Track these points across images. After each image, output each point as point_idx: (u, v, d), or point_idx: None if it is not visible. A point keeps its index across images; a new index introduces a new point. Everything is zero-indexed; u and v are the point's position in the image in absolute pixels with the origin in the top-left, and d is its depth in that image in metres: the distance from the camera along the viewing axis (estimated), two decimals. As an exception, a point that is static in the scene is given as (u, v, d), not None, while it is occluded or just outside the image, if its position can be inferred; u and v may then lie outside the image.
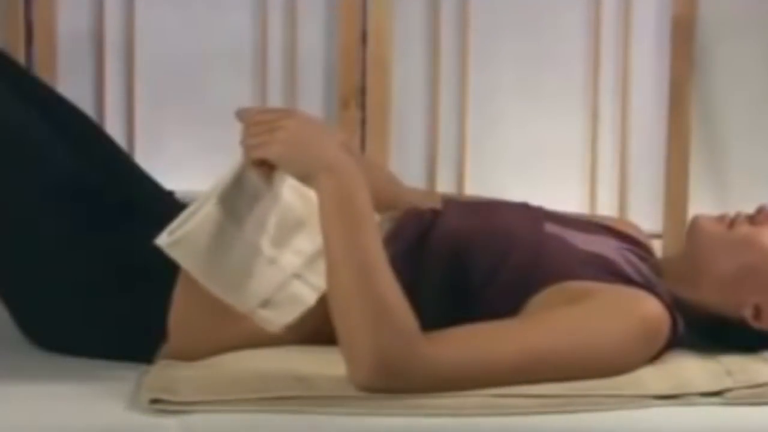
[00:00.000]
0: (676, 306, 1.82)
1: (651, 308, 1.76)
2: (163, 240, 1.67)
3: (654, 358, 1.78)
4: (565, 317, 1.72)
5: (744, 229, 1.87)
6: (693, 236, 1.91)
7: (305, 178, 1.67)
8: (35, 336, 1.90)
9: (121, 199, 1.91)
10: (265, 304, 1.72)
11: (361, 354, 1.62)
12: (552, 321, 1.72)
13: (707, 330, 1.89)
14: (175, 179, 2.24)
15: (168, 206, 1.96)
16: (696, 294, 1.88)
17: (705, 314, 1.87)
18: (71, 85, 2.51)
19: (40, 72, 2.51)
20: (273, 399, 1.64)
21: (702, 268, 1.88)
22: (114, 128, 2.54)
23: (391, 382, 1.63)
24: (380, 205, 1.80)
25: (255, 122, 1.67)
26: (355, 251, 1.64)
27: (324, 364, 1.71)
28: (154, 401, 1.63)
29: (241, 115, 1.69)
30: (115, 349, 1.84)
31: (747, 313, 1.86)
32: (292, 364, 1.74)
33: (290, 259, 1.74)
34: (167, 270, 1.77)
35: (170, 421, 1.62)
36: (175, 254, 1.69)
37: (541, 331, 1.70)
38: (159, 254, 1.68)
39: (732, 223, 1.88)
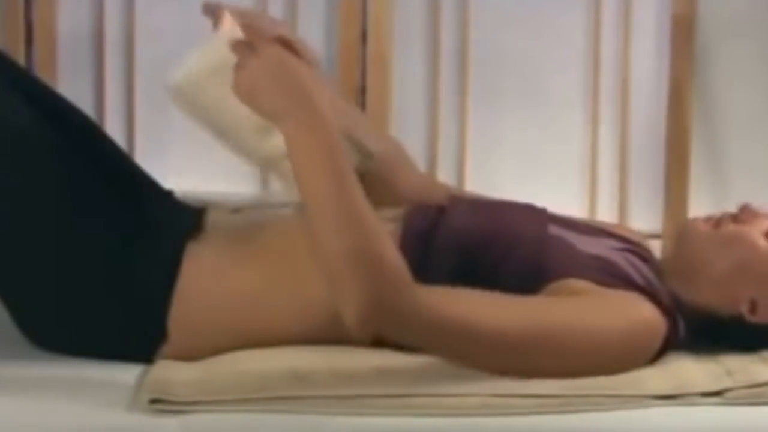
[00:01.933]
0: (676, 306, 1.83)
1: (645, 312, 1.78)
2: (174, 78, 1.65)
3: (654, 359, 1.79)
4: (565, 302, 1.75)
5: (730, 227, 1.89)
6: (681, 238, 1.94)
7: (276, 117, 1.64)
8: (35, 336, 1.90)
9: (121, 199, 1.91)
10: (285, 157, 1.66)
11: (353, 294, 1.59)
12: (553, 304, 1.75)
13: (706, 330, 1.89)
14: (175, 179, 2.23)
15: (168, 206, 1.96)
16: (693, 294, 1.89)
17: (703, 314, 1.88)
18: (71, 85, 2.50)
19: (40, 72, 2.50)
20: (273, 399, 1.64)
21: (696, 269, 1.90)
22: (114, 128, 2.53)
23: (383, 318, 1.61)
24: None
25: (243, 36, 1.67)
26: (341, 197, 1.61)
27: (324, 364, 1.71)
28: (154, 401, 1.63)
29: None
30: (115, 349, 1.85)
31: (743, 309, 1.86)
32: (292, 363, 1.74)
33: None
34: (167, 270, 1.77)
35: (170, 421, 1.62)
36: (185, 93, 1.67)
37: (542, 310, 1.72)
38: (159, 254, 1.67)
39: (718, 222, 1.90)
